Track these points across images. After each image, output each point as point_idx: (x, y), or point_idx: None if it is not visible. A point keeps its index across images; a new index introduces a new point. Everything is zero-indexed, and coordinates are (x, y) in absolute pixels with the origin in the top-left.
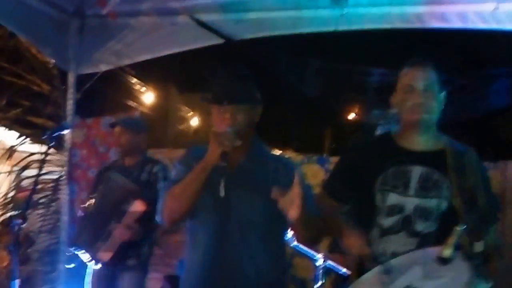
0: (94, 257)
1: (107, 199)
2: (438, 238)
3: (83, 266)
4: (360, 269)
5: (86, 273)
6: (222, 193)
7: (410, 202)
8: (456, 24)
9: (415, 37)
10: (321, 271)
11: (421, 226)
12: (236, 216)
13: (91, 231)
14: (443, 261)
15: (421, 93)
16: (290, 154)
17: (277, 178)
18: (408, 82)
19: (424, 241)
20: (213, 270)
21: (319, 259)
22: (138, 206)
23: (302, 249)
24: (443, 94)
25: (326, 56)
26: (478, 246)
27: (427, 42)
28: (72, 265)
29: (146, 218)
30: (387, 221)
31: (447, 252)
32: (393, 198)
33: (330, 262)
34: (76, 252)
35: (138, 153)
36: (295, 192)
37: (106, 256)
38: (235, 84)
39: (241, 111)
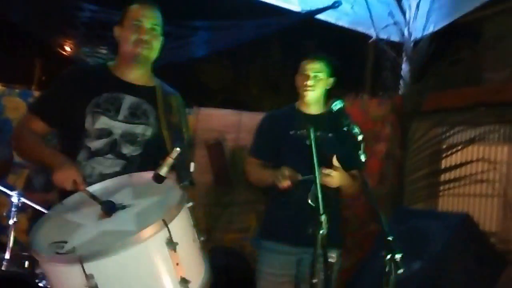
0: None
1: None
2: (142, 161)
3: None
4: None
5: None
6: None
7: (118, 127)
8: None
9: None
10: (15, 208)
11: (127, 149)
12: None
13: None
14: (160, 178)
15: (146, 30)
16: None
17: None
18: (136, 18)
19: (130, 163)
20: None
21: (14, 196)
22: None
23: None
24: (162, 37)
25: None
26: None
27: None
28: None
29: None
30: (96, 144)
31: (164, 170)
32: (102, 121)
33: (25, 200)
34: None
35: None
36: None
37: None
38: None
39: None
